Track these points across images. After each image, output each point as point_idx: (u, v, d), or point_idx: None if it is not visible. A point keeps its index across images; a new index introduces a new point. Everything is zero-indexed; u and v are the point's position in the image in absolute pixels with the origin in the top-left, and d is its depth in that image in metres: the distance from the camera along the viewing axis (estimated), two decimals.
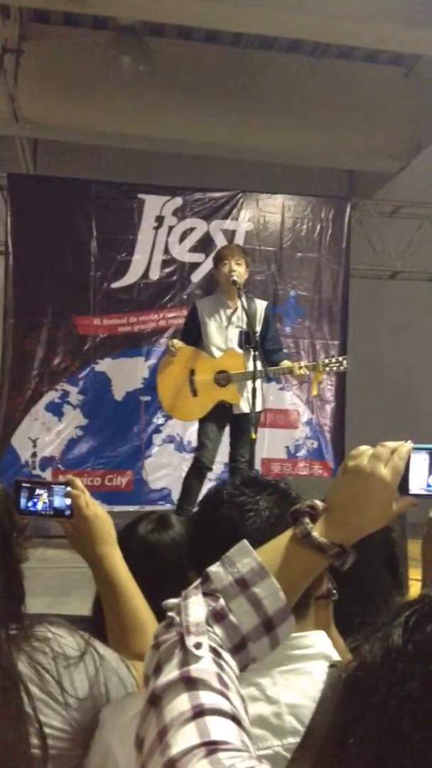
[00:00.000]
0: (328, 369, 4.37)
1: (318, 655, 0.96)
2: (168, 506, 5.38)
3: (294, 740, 0.89)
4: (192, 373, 4.36)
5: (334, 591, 1.17)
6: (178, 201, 6.01)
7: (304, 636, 0.96)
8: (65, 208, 5.81)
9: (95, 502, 1.34)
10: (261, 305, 4.45)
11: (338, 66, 6.80)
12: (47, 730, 0.99)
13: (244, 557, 0.83)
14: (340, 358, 4.50)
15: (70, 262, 5.81)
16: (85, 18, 6.15)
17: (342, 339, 6.17)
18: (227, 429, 4.46)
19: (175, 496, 4.87)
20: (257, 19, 5.43)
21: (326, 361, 4.44)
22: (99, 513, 1.33)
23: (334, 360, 4.45)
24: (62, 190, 5.89)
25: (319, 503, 0.90)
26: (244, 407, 4.24)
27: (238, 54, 6.56)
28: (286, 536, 0.88)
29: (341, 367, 4.42)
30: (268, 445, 5.92)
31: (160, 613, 1.32)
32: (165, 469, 5.80)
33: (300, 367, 4.26)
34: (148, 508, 5.26)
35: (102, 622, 1.36)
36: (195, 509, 1.20)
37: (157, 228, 5.94)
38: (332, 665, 0.95)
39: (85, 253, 5.81)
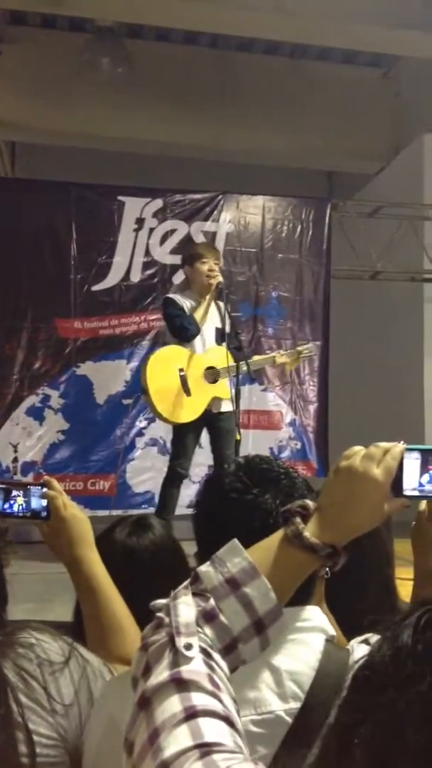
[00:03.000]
0: (303, 354, 4.72)
1: (316, 628, 0.98)
2: (152, 509, 5.35)
3: (296, 705, 0.91)
4: (181, 371, 4.32)
5: (327, 569, 1.18)
6: (158, 203, 5.99)
7: (302, 609, 0.98)
8: (44, 211, 5.77)
9: (72, 503, 1.33)
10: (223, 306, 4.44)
11: (316, 67, 6.84)
12: (35, 738, 0.98)
13: (235, 556, 0.82)
14: (309, 345, 5.03)
15: (50, 265, 5.76)
16: (63, 20, 6.14)
17: (324, 340, 6.18)
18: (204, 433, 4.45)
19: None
20: (235, 21, 5.44)
21: (300, 348, 4.78)
22: (76, 514, 1.32)
23: (306, 346, 4.90)
24: (41, 193, 5.85)
25: (310, 503, 0.90)
26: (226, 405, 4.24)
27: (217, 55, 6.57)
28: (277, 536, 0.88)
29: (311, 353, 4.93)
30: (252, 446, 5.91)
31: (141, 618, 1.31)
32: (148, 473, 5.76)
33: (281, 355, 4.56)
34: (132, 512, 5.23)
35: (83, 627, 1.34)
36: (196, 503, 1.18)
37: (137, 230, 5.91)
38: (328, 639, 0.97)
39: (65, 256, 5.77)
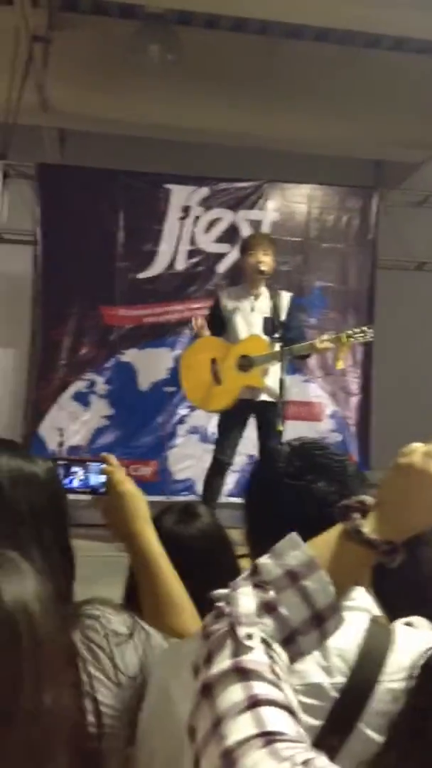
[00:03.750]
0: (352, 340, 4.13)
1: (361, 608, 0.99)
2: (192, 497, 5.40)
3: (342, 679, 0.92)
4: (213, 361, 4.35)
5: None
6: (204, 191, 6.00)
7: (350, 589, 0.98)
8: (93, 199, 5.83)
9: (129, 479, 1.35)
10: (286, 296, 4.44)
11: (366, 54, 6.71)
12: (101, 709, 1.01)
13: (294, 549, 0.83)
14: (365, 328, 4.22)
15: (97, 252, 5.83)
16: (113, 6, 6.14)
17: None
18: (252, 422, 4.44)
19: (199, 487, 4.89)
20: (285, 7, 5.39)
21: (349, 332, 4.17)
22: (133, 490, 1.34)
23: (358, 330, 4.18)
24: (90, 180, 5.91)
25: (368, 498, 0.91)
26: (270, 395, 4.21)
27: (266, 42, 6.50)
28: (335, 531, 0.88)
29: (366, 337, 4.17)
30: (292, 437, 5.90)
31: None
32: (189, 460, 5.81)
33: (322, 341, 4.09)
34: (173, 498, 5.29)
35: (133, 608, 1.37)
36: (248, 484, 1.18)
37: (183, 218, 5.94)
38: (373, 619, 0.99)
39: (111, 244, 5.83)
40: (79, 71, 6.15)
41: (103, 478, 1.33)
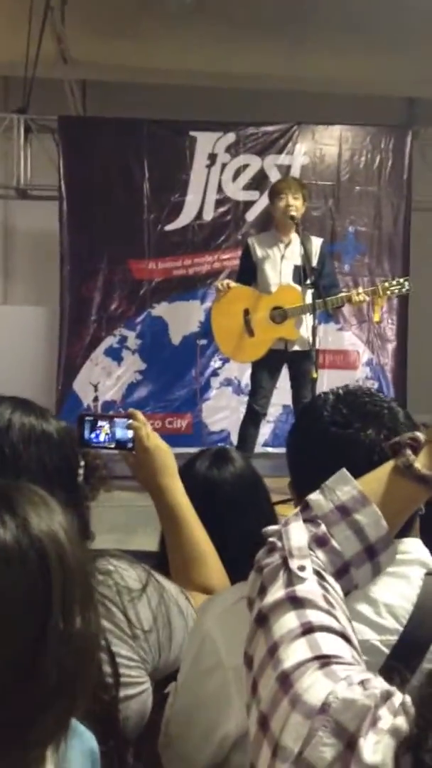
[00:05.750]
0: (389, 293, 4.18)
1: (415, 561, 0.98)
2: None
3: (392, 637, 0.91)
4: (246, 312, 4.30)
5: (422, 506, 1.17)
6: (230, 137, 5.85)
7: (401, 542, 0.97)
8: (117, 150, 5.75)
9: (155, 434, 1.35)
10: (317, 242, 4.36)
11: None
12: (117, 659, 1.03)
13: (345, 485, 0.84)
14: (401, 280, 4.27)
15: (123, 205, 5.76)
16: None
17: (404, 275, 5.97)
18: (284, 372, 4.41)
19: (235, 438, 4.90)
20: None
21: (386, 284, 4.23)
22: (160, 444, 1.34)
23: (395, 282, 4.23)
24: (113, 131, 5.81)
25: (420, 435, 0.90)
26: (302, 345, 4.17)
27: None
28: (386, 467, 0.89)
29: (404, 290, 4.21)
30: (328, 386, 5.80)
31: (223, 548, 1.32)
32: (223, 412, 5.82)
33: (358, 294, 4.14)
34: None
35: (166, 558, 1.37)
36: (292, 431, 1.16)
37: (209, 166, 5.81)
38: (429, 573, 0.98)
39: (138, 196, 5.75)
40: (97, 21, 5.99)
41: (129, 434, 1.33)
